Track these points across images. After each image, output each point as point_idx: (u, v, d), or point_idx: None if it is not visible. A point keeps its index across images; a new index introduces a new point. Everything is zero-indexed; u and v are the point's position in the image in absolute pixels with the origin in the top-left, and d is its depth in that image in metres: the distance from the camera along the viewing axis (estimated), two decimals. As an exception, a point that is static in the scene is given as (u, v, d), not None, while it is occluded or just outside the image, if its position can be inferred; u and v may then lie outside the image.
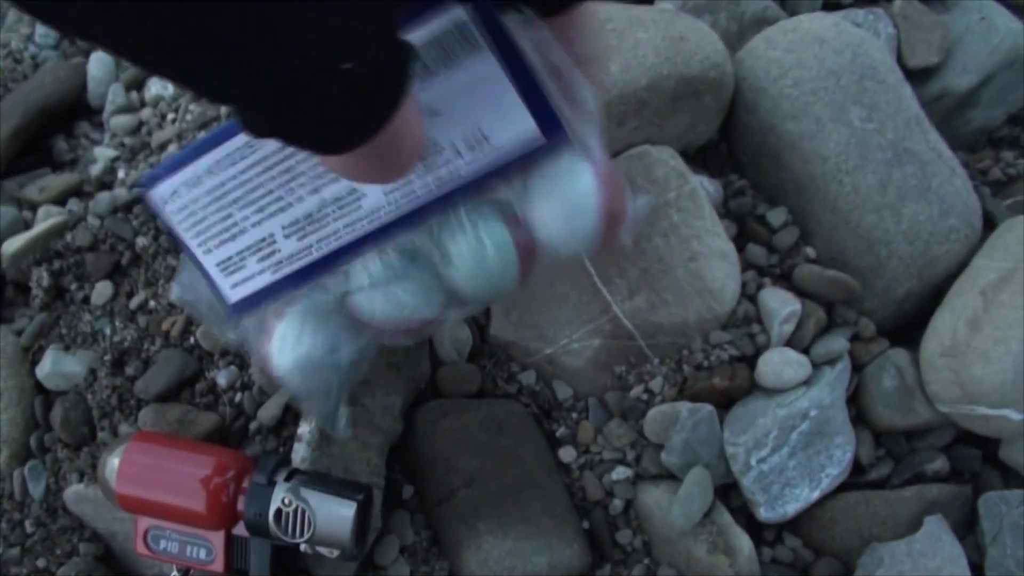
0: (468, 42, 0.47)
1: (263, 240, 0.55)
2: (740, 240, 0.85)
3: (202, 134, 0.53)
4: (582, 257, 0.63)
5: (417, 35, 0.46)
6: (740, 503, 0.82)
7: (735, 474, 0.79)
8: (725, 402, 0.81)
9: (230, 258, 0.57)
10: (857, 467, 0.82)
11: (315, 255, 0.55)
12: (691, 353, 0.81)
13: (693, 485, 0.79)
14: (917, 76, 0.95)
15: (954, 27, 0.97)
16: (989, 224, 0.87)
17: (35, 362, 0.86)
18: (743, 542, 0.79)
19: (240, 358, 0.82)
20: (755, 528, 0.82)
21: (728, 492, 0.82)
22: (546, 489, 0.81)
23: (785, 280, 0.84)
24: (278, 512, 0.70)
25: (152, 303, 0.85)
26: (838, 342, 0.81)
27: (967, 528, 0.83)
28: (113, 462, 0.73)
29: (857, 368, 0.83)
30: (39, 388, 0.87)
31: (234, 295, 0.58)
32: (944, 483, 0.83)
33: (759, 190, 0.87)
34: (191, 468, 0.72)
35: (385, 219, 0.54)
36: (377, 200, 0.53)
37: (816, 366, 0.81)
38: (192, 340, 0.83)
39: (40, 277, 0.87)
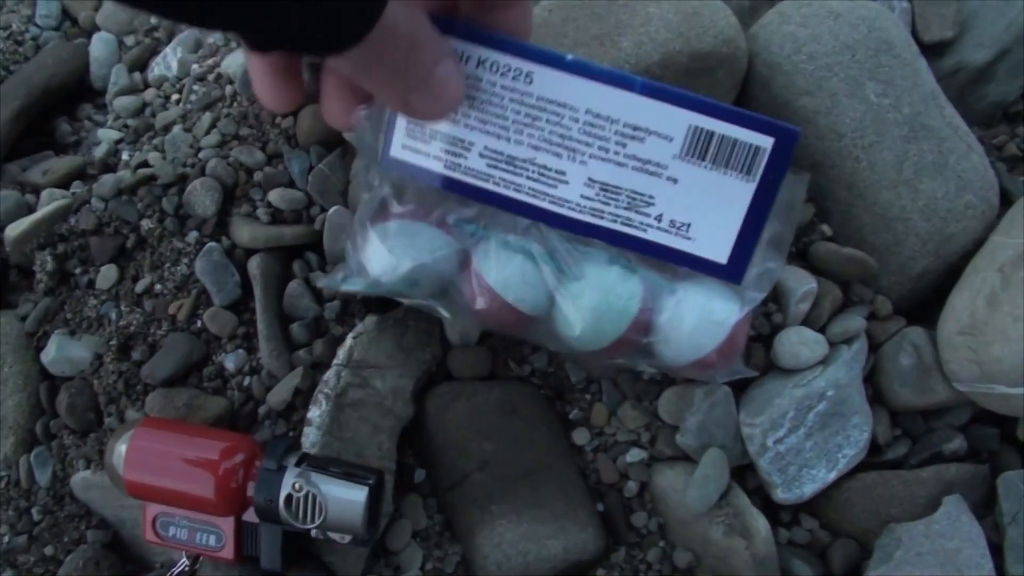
0: (749, 167, 0.56)
1: (463, 141, 0.58)
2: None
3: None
4: (670, 370, 0.69)
5: (719, 128, 0.56)
6: (756, 484, 0.81)
7: (751, 455, 0.78)
8: (741, 382, 0.80)
9: (424, 127, 0.59)
10: (874, 447, 0.81)
11: (489, 186, 0.59)
12: (706, 333, 0.80)
13: (709, 467, 0.78)
14: (932, 51, 0.93)
15: (969, 1, 0.96)
16: (1005, 200, 0.86)
17: (40, 347, 0.85)
18: (760, 524, 0.78)
19: (248, 341, 0.81)
20: (771, 509, 0.81)
21: (744, 473, 0.81)
22: (560, 472, 0.80)
23: (801, 258, 0.83)
24: (288, 498, 0.69)
25: (158, 287, 0.84)
26: (855, 321, 0.80)
27: (985, 508, 0.82)
28: (120, 448, 0.72)
29: (874, 347, 0.82)
30: (44, 374, 0.86)
31: (398, 152, 0.60)
32: (962, 463, 0.82)
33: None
34: (200, 453, 0.71)
35: (565, 212, 0.59)
36: (572, 193, 0.58)
37: (833, 345, 0.80)
38: (199, 324, 0.82)
39: (44, 261, 0.86)
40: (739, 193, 0.57)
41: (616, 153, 0.57)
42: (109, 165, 0.91)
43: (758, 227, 0.58)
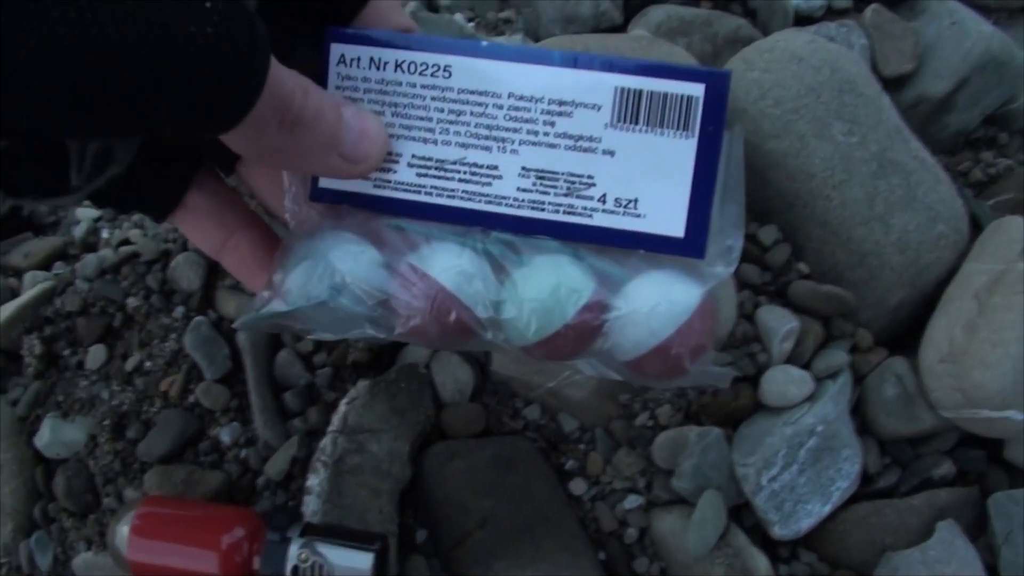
0: (685, 121, 0.51)
1: (390, 154, 0.53)
2: (732, 260, 0.85)
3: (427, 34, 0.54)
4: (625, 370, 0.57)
5: (647, 85, 0.51)
6: (754, 522, 0.82)
7: (747, 495, 0.79)
8: (732, 423, 0.82)
9: None
10: (865, 477, 0.83)
11: (421, 198, 0.54)
12: (694, 377, 0.81)
13: (706, 509, 0.79)
14: (892, 84, 0.95)
15: (925, 33, 0.98)
16: (975, 226, 0.88)
17: (33, 432, 0.85)
18: (760, 562, 0.79)
19: (242, 413, 0.82)
20: (770, 546, 0.82)
21: (741, 512, 0.82)
22: (560, 524, 0.81)
23: (780, 297, 0.84)
24: (295, 569, 0.70)
25: (148, 364, 0.84)
26: (838, 355, 0.82)
27: (978, 529, 0.84)
28: (123, 529, 0.72)
29: (858, 379, 0.84)
30: (39, 458, 0.86)
31: (327, 182, 0.56)
32: (952, 487, 0.84)
33: (748, 209, 0.87)
34: (202, 530, 0.71)
35: (503, 210, 0.53)
36: (507, 188, 0.53)
37: (818, 381, 0.81)
38: (192, 399, 0.82)
39: (32, 345, 0.86)
40: (681, 152, 0.52)
41: (546, 135, 0.52)
42: (90, 244, 0.92)
43: (709, 187, 0.52)
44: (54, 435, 0.84)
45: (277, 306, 0.53)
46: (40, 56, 0.30)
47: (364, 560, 0.69)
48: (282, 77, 0.41)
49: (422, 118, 0.53)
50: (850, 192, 0.82)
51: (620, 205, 0.52)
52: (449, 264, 0.52)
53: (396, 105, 0.53)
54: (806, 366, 0.81)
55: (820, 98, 0.83)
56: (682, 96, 0.51)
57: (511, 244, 0.54)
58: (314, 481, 0.76)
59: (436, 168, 0.54)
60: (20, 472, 0.85)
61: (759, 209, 0.87)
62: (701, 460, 0.79)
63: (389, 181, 0.54)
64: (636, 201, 0.52)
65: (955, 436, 0.85)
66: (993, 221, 0.87)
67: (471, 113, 0.53)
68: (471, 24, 1.01)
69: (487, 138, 0.53)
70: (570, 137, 0.52)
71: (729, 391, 0.80)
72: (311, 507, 0.76)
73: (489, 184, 0.53)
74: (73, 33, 0.30)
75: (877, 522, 0.81)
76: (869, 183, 0.83)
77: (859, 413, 0.84)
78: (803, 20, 1.01)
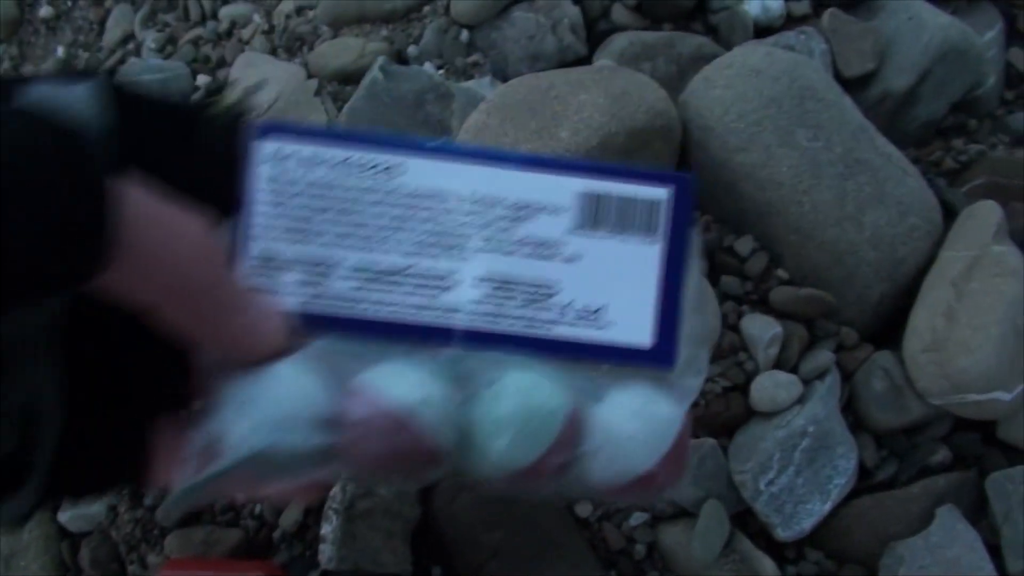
0: (649, 224, 0.48)
1: (320, 265, 0.47)
2: (713, 274, 0.87)
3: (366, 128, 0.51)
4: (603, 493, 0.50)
5: (611, 189, 0.48)
6: (757, 527, 0.84)
7: (747, 501, 0.81)
8: (726, 432, 0.84)
9: (273, 258, 0.47)
10: (864, 472, 0.85)
11: (360, 313, 0.48)
12: (684, 391, 0.83)
13: (708, 519, 0.81)
14: (856, 84, 0.98)
15: (884, 31, 1.00)
16: (950, 214, 0.90)
17: (56, 508, 0.88)
18: (766, 565, 0.81)
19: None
20: (775, 548, 0.84)
21: (745, 518, 0.84)
22: (569, 547, 0.83)
23: (762, 305, 0.86)
24: (315, 616, 0.72)
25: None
26: (824, 356, 0.83)
27: (979, 512, 0.85)
28: (148, 594, 0.75)
29: (846, 377, 0.86)
30: (63, 532, 0.88)
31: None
32: (950, 472, 0.85)
33: (723, 222, 0.90)
34: (225, 588, 0.74)
35: (456, 323, 0.48)
36: (461, 298, 0.48)
37: (807, 383, 0.83)
38: (204, 460, 0.85)
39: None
40: (646, 257, 0.49)
41: (503, 240, 0.48)
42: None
43: (676, 292, 0.49)
44: (76, 509, 0.86)
45: (215, 466, 0.42)
46: None
47: (381, 602, 0.72)
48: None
49: (361, 224, 0.48)
50: (820, 195, 0.84)
51: (585, 315, 0.49)
52: (405, 385, 0.45)
53: (329, 210, 0.47)
54: (794, 369, 0.83)
55: (782, 108, 0.85)
56: (646, 201, 0.49)
57: (471, 360, 0.48)
58: (327, 529, 0.79)
59: (378, 279, 0.48)
60: (47, 549, 0.87)
61: (734, 221, 0.89)
62: (698, 471, 0.81)
63: (321, 295, 0.47)
64: (600, 310, 0.49)
65: (949, 422, 0.86)
66: (965, 208, 0.89)
67: (420, 218, 0.48)
68: (440, 72, 1.03)
69: (438, 244, 0.48)
70: (531, 243, 0.49)
71: (720, 401, 0.82)
72: (327, 554, 0.78)
73: (440, 295, 0.48)
74: None
75: (879, 514, 0.83)
76: (838, 184, 0.85)
77: (851, 410, 0.86)
78: (763, 31, 1.03)
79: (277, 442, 0.42)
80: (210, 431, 0.43)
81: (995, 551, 0.82)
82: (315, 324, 0.47)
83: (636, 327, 0.49)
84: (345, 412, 0.43)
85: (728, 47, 0.99)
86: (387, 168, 0.48)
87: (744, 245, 0.87)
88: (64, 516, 0.87)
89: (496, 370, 0.47)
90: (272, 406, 0.43)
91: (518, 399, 0.45)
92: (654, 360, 0.49)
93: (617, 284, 0.49)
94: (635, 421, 0.47)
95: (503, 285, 0.48)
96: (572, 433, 0.46)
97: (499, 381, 0.46)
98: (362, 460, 0.44)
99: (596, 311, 0.49)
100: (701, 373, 0.49)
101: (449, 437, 0.45)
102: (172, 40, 1.19)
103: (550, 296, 0.48)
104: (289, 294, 0.47)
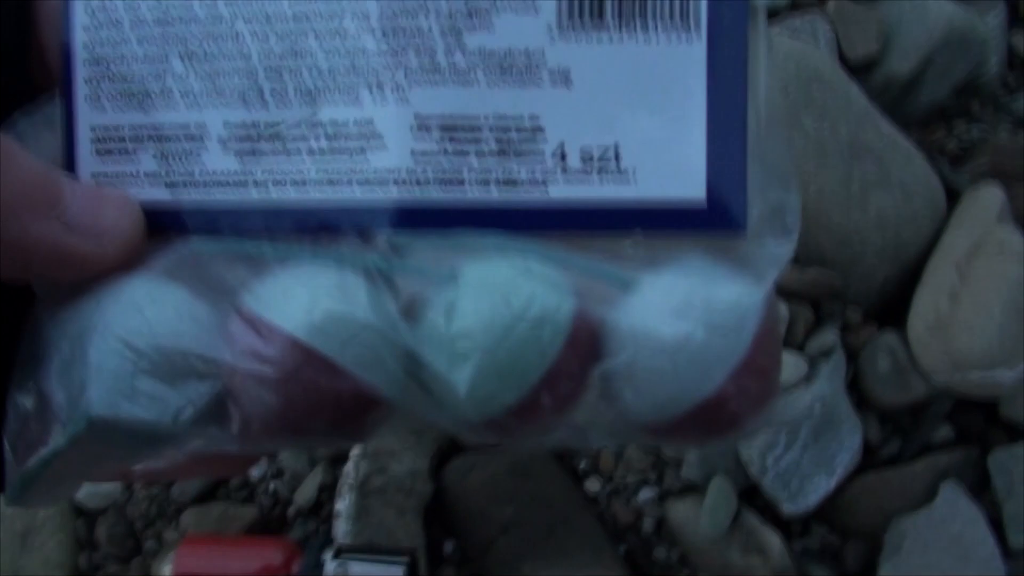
0: (683, 9, 0.29)
1: (186, 128, 0.31)
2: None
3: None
4: (649, 424, 0.30)
5: None
6: (764, 502, 0.85)
7: (754, 477, 0.83)
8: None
9: (119, 131, 0.31)
10: (869, 448, 0.86)
11: (249, 194, 0.30)
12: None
13: (716, 495, 0.82)
14: (861, 69, 0.98)
15: (888, 16, 1.01)
16: (953, 196, 0.91)
17: None
18: (773, 539, 0.82)
19: (268, 448, 0.85)
20: (782, 523, 0.85)
21: (752, 493, 0.85)
22: (579, 522, 0.85)
23: (768, 285, 0.87)
24: (331, 589, 0.73)
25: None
26: (829, 335, 0.85)
27: (981, 488, 0.87)
28: (165, 571, 0.75)
29: (852, 356, 0.87)
30: (79, 511, 0.89)
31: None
32: (953, 449, 0.87)
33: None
34: (242, 563, 0.75)
35: (391, 195, 0.30)
36: (394, 157, 0.30)
37: (813, 362, 0.84)
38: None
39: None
40: (682, 64, 0.29)
41: (450, 58, 0.30)
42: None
43: (735, 115, 0.30)
44: (92, 487, 0.87)
45: (48, 446, 0.27)
46: None
47: (395, 572, 0.73)
48: None
49: (223, 71, 0.30)
50: (826, 179, 0.85)
51: (590, 160, 0.30)
52: (316, 298, 0.28)
53: (177, 56, 0.30)
54: (800, 348, 0.84)
55: (788, 92, 0.86)
56: None
57: (415, 252, 0.30)
58: (342, 505, 0.80)
59: (268, 139, 0.30)
60: (63, 526, 0.88)
61: (741, 203, 0.90)
62: (706, 449, 0.82)
63: (191, 174, 0.31)
64: (615, 150, 0.30)
65: (952, 401, 0.87)
66: (968, 191, 0.90)
67: (316, 37, 0.30)
68: None
69: (349, 74, 0.30)
70: (492, 56, 0.30)
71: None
72: (341, 530, 0.79)
73: (363, 154, 0.30)
74: None
75: (883, 490, 0.84)
76: (843, 168, 0.86)
77: (856, 388, 0.87)
78: (769, 16, 1.03)
79: (129, 399, 0.27)
80: (36, 389, 0.29)
81: (997, 526, 0.83)
82: (178, 220, 0.31)
83: (677, 173, 0.30)
84: (229, 346, 0.28)
85: (734, 32, 1.00)
86: None
87: (751, 227, 0.88)
88: (80, 494, 0.88)
89: (455, 262, 0.29)
90: (118, 345, 0.27)
91: (489, 301, 0.28)
92: (711, 222, 0.30)
93: (638, 109, 0.30)
94: (686, 318, 0.28)
95: (458, 125, 0.30)
96: (582, 347, 0.29)
97: (459, 278, 0.29)
98: (259, 418, 0.28)
99: (608, 152, 0.30)
100: (790, 232, 0.32)
101: (391, 370, 0.28)
102: None
103: (534, 135, 0.30)
104: (135, 180, 0.31)
